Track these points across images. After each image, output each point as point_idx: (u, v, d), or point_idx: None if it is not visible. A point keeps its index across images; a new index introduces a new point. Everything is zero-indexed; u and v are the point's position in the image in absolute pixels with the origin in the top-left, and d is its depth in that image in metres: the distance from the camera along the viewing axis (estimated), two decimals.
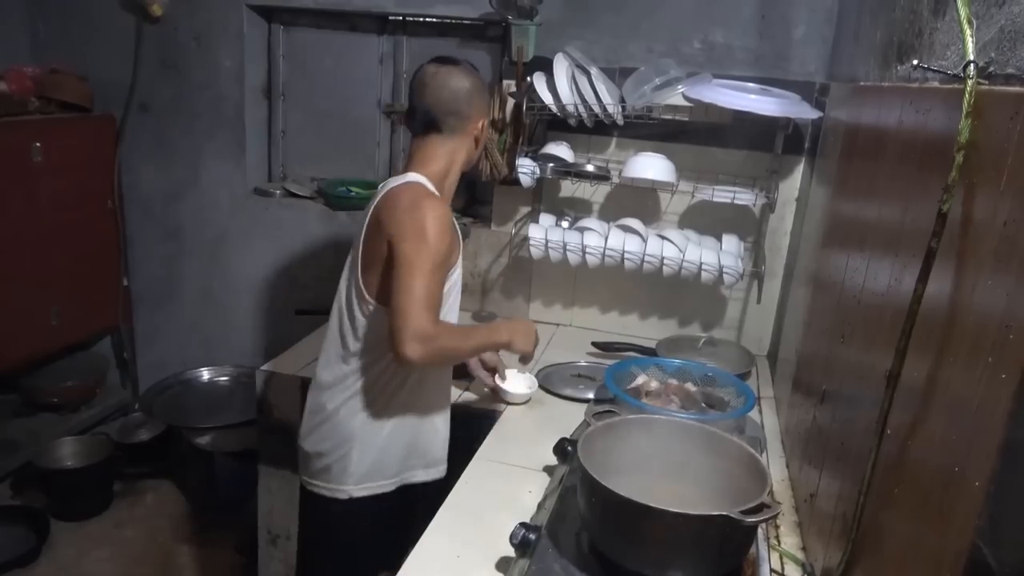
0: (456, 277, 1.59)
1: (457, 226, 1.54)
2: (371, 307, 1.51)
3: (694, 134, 2.22)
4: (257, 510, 2.12)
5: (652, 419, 1.29)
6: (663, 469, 1.24)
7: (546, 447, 1.64)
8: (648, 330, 2.40)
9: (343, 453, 1.57)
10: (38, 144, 2.56)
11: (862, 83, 1.58)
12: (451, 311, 1.61)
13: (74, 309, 2.80)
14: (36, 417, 2.86)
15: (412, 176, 1.52)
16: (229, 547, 2.55)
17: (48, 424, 2.83)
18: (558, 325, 2.50)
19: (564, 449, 1.54)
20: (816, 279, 1.72)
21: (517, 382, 1.95)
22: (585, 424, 1.46)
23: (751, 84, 2.04)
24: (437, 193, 1.52)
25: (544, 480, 1.56)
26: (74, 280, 2.79)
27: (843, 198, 1.57)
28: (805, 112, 1.94)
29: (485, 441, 1.71)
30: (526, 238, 2.29)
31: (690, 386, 1.88)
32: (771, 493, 1.11)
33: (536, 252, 2.25)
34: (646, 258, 2.14)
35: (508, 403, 1.91)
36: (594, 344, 2.26)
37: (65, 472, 2.62)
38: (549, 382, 2.02)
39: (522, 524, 1.23)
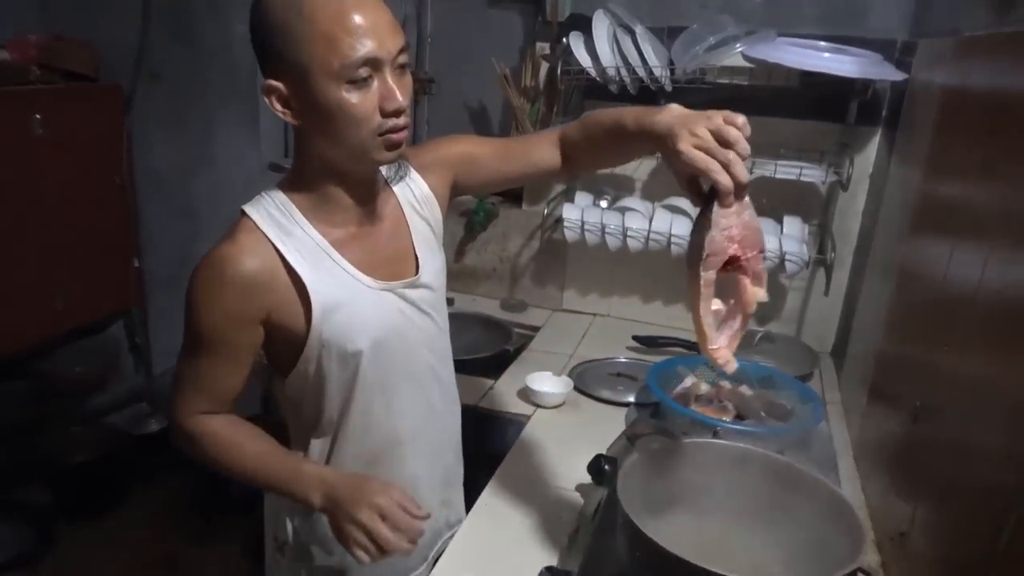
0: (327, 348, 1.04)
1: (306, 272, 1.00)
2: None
3: (752, 102, 1.94)
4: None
5: (707, 445, 1.06)
6: (722, 508, 1.01)
7: (580, 460, 1.41)
8: None
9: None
10: (38, 116, 2.39)
11: (967, 35, 1.31)
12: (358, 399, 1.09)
13: (81, 292, 2.65)
14: (44, 405, 2.73)
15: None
16: (237, 551, 2.40)
17: (56, 412, 2.70)
18: (595, 315, 2.27)
19: (600, 468, 1.31)
20: (902, 270, 1.46)
21: (547, 382, 1.74)
22: (625, 441, 1.23)
23: (822, 43, 1.76)
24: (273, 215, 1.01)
25: (577, 502, 1.34)
26: (81, 261, 2.63)
27: (942, 176, 1.30)
28: (889, 73, 1.66)
29: (509, 453, 1.50)
30: (560, 219, 2.06)
31: (745, 389, 1.64)
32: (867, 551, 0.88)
33: (571, 235, 2.02)
34: None
35: (537, 406, 1.70)
36: (635, 338, 2.02)
37: (71, 467, 2.48)
38: (583, 382, 1.79)
39: (549, 569, 1.02)
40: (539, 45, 2.10)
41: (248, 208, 1.02)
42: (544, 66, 2.08)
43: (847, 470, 1.53)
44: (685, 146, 0.89)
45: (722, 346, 0.99)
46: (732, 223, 0.92)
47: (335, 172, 1.01)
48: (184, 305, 1.00)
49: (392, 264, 1.09)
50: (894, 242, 1.57)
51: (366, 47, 0.90)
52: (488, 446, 1.65)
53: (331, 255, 1.02)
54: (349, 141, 0.95)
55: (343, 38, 0.89)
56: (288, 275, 1.00)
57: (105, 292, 2.77)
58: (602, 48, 1.85)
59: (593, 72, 1.88)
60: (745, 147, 0.88)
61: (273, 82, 0.95)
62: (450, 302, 2.18)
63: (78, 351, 2.82)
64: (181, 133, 2.75)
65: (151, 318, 2.99)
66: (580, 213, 1.98)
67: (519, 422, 1.64)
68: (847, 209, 1.98)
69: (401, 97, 0.93)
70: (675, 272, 2.13)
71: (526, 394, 1.71)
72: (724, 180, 0.88)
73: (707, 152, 0.88)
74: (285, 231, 1.00)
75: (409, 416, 1.15)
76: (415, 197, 1.14)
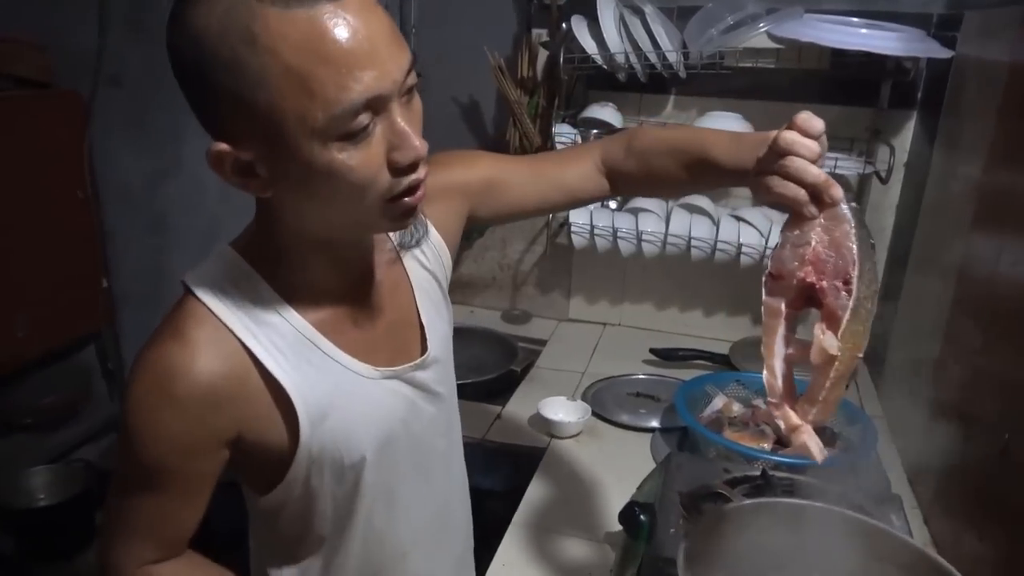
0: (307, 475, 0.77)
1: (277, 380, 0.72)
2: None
3: (772, 88, 1.77)
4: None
5: (770, 505, 0.88)
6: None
7: (605, 502, 1.28)
8: (716, 330, 1.97)
9: None
10: None
11: None
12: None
13: (45, 316, 2.43)
14: (8, 439, 2.51)
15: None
16: None
17: (23, 448, 2.49)
18: (605, 325, 2.09)
19: (635, 518, 1.13)
20: (964, 271, 1.29)
21: (562, 409, 1.56)
22: (660, 486, 1.06)
23: (854, 19, 1.58)
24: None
25: (607, 557, 1.17)
26: (44, 283, 2.42)
27: (1018, 165, 1.13)
28: (934, 50, 1.48)
29: (525, 497, 1.31)
30: (565, 222, 1.88)
31: None
32: None
33: (579, 240, 1.83)
34: (719, 245, 1.71)
35: (552, 436, 1.51)
36: (653, 352, 1.84)
37: (37, 511, 2.27)
38: (600, 405, 1.61)
39: None
40: (536, 31, 1.91)
41: (195, 285, 0.71)
42: (543, 54, 1.89)
43: (905, 500, 1.35)
44: (753, 180, 0.76)
45: (780, 400, 0.74)
46: (810, 239, 0.73)
47: (320, 242, 0.73)
48: (120, 427, 0.72)
49: (393, 339, 0.83)
50: (948, 238, 1.40)
51: (362, 83, 0.60)
52: (500, 484, 1.47)
53: (319, 345, 0.75)
54: (345, 212, 0.67)
55: (326, 75, 0.58)
56: (263, 378, 0.72)
57: (71, 315, 2.56)
58: (609, 32, 1.66)
59: (599, 59, 1.69)
60: (805, 146, 0.71)
61: (223, 147, 0.63)
62: None
63: (46, 380, 2.61)
64: (147, 140, 2.54)
65: (123, 340, 2.78)
66: (589, 216, 1.79)
67: (533, 456, 1.46)
68: (880, 202, 1.81)
69: (417, 142, 0.65)
70: (692, 276, 1.97)
71: (539, 422, 1.53)
72: (786, 192, 0.72)
73: (768, 172, 0.73)
74: (256, 318, 0.72)
75: (417, 520, 0.90)
76: (420, 247, 0.88)
